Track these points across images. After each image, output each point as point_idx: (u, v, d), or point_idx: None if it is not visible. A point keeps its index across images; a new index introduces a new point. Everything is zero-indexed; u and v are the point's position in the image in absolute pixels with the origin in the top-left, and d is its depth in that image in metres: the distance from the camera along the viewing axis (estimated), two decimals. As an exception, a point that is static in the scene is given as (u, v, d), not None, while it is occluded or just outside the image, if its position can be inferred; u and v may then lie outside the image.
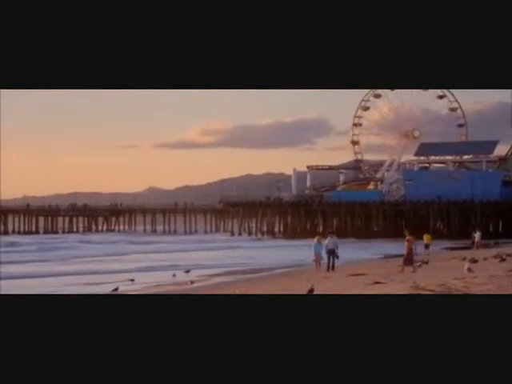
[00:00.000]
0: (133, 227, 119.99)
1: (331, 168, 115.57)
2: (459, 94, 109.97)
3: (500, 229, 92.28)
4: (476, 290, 16.42)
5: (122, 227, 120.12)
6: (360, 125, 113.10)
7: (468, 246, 56.31)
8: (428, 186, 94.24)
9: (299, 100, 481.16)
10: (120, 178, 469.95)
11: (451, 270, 26.22)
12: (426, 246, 47.39)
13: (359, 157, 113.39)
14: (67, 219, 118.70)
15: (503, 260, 30.71)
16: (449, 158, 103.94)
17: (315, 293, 17.54)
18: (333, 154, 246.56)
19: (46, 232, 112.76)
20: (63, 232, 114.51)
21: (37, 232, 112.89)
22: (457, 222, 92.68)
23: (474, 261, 29.92)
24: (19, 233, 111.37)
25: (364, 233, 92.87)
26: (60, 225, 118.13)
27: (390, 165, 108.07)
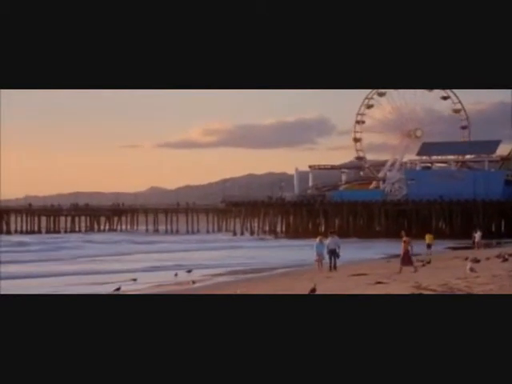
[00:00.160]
0: (135, 227, 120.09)
1: (333, 168, 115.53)
2: (460, 93, 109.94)
3: (502, 228, 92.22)
4: (478, 289, 16.40)
5: (124, 227, 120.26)
6: (363, 122, 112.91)
7: (470, 245, 56.29)
8: (430, 186, 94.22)
9: (300, 100, 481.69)
10: (122, 178, 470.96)
11: (453, 269, 26.22)
12: (428, 246, 47.37)
13: (361, 154, 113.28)
14: (69, 219, 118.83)
15: (505, 260, 30.66)
16: (451, 157, 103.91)
17: (317, 293, 17.53)
18: (335, 153, 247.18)
19: (48, 232, 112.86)
20: (65, 232, 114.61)
21: (39, 232, 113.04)
22: (459, 221, 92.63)
23: (477, 261, 29.92)
24: (21, 232, 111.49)
25: (366, 232, 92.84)
26: (62, 224, 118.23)
27: (392, 164, 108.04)
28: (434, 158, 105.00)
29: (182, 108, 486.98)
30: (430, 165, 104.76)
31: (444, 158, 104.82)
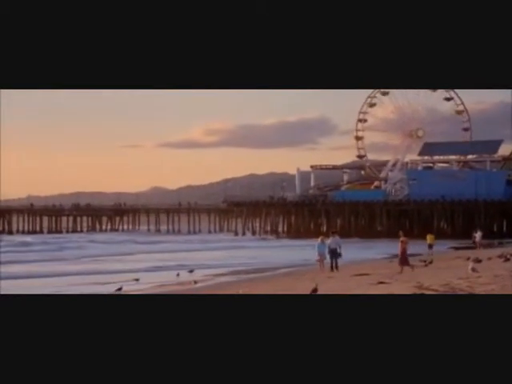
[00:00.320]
0: (137, 227, 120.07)
1: (335, 168, 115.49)
2: (462, 93, 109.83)
3: (504, 228, 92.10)
4: (480, 289, 16.38)
5: (125, 227, 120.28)
6: (365, 120, 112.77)
7: (472, 245, 56.26)
8: (432, 186, 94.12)
9: (301, 100, 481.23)
10: (123, 178, 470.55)
11: (455, 269, 26.20)
12: (430, 246, 47.36)
13: (362, 152, 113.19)
14: (71, 219, 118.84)
15: (507, 260, 30.62)
16: (453, 157, 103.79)
17: (319, 293, 17.53)
18: (336, 153, 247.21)
19: (50, 232, 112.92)
20: (67, 232, 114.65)
21: (41, 232, 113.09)
22: (461, 221, 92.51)
23: (478, 260, 29.89)
24: (23, 232, 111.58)
25: (368, 232, 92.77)
26: (64, 224, 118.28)
27: (394, 164, 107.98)
28: (436, 157, 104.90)
29: (183, 108, 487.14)
30: (431, 165, 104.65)
31: (446, 157, 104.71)
